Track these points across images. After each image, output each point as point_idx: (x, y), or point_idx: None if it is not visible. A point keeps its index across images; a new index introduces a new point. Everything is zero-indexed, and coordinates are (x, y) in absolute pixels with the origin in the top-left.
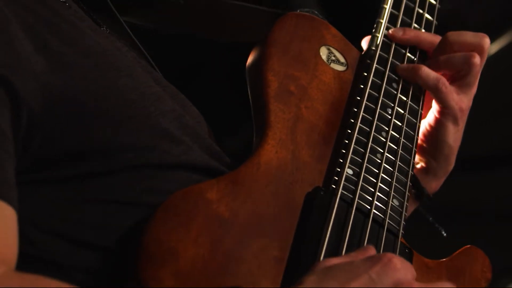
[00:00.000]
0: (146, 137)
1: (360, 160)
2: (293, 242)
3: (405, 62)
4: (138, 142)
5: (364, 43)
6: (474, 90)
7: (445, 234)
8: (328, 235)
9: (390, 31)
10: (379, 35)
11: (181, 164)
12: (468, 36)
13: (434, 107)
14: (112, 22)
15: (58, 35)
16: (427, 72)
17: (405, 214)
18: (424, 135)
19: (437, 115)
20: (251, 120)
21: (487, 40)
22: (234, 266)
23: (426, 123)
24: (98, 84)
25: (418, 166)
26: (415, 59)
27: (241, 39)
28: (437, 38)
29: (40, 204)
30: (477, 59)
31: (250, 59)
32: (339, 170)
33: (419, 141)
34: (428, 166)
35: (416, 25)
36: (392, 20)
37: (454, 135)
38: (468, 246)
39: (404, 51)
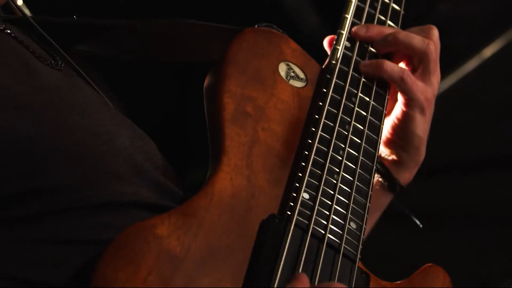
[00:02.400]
0: (95, 178)
1: (317, 183)
2: (246, 274)
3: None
4: (87, 182)
5: (326, 43)
6: (436, 79)
7: (421, 226)
8: (282, 264)
9: (353, 28)
10: (340, 48)
11: (131, 203)
12: (415, 41)
13: (400, 100)
14: (68, 54)
15: (9, 74)
16: (391, 65)
17: (363, 238)
18: (393, 129)
19: (404, 108)
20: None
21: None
22: None
23: (393, 117)
24: (48, 123)
25: (390, 158)
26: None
27: (201, 58)
28: None
29: None
30: (432, 46)
31: (207, 81)
32: (295, 195)
33: (388, 135)
34: (399, 158)
35: None
36: None
37: (422, 126)
38: (428, 264)
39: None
